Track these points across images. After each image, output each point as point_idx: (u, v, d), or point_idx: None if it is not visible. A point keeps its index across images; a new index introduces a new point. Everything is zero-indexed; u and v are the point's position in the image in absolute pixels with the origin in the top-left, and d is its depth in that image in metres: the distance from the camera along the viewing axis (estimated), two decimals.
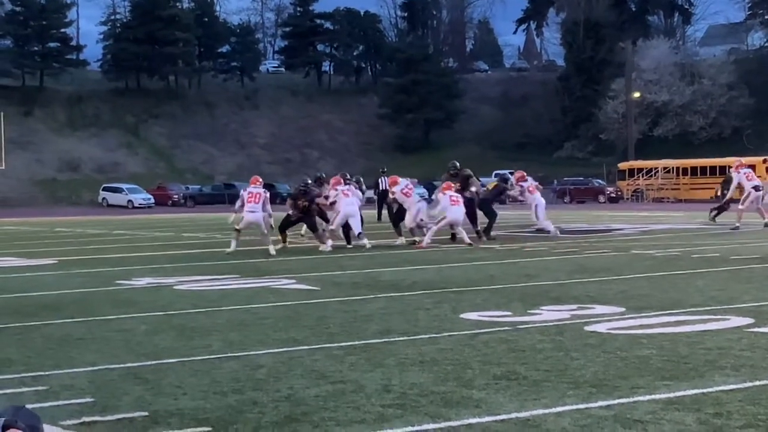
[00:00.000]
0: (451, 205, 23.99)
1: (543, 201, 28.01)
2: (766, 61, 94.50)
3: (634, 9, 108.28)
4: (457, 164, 27.27)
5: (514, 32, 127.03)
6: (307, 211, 24.42)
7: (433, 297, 13.11)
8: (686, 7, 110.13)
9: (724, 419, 6.19)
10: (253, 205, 23.18)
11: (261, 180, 24.66)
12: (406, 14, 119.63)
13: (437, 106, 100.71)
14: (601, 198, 70.75)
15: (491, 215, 26.76)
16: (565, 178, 76.50)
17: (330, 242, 23.48)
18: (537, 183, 29.86)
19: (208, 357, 8.89)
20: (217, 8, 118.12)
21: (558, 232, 26.93)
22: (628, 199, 70.48)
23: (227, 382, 7.73)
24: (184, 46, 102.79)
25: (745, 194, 29.59)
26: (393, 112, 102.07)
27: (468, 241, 23.79)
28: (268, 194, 23.83)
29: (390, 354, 8.83)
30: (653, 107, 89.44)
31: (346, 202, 24.47)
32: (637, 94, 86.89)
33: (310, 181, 26.31)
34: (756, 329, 9.67)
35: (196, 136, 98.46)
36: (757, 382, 7.24)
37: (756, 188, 29.48)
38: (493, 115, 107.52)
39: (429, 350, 8.97)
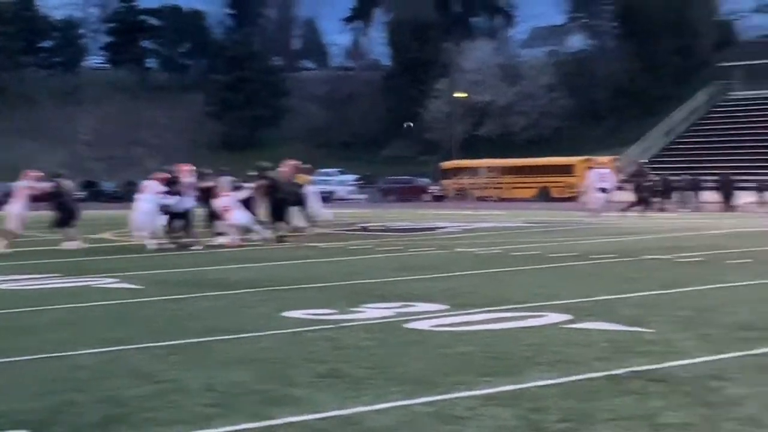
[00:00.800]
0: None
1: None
2: (585, 63, 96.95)
3: (458, 11, 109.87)
4: (264, 164, 26.49)
5: (341, 32, 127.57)
6: None
7: (257, 295, 13.08)
8: (509, 9, 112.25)
9: (541, 414, 6.34)
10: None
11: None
12: (233, 11, 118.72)
13: (264, 104, 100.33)
14: (426, 197, 71.55)
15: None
16: (391, 177, 77.08)
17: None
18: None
19: (28, 358, 8.69)
20: (39, 2, 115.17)
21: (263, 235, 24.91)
22: (452, 197, 71.44)
23: (48, 383, 7.57)
24: (4, 40, 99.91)
25: (591, 193, 30.53)
26: (220, 110, 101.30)
27: (267, 236, 23.98)
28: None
29: (213, 353, 8.78)
30: (477, 107, 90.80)
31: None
32: (461, 94, 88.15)
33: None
34: (572, 325, 9.93)
35: (17, 131, 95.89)
36: (572, 377, 7.43)
37: (603, 190, 30.51)
38: (319, 113, 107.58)
39: (252, 349, 8.94)
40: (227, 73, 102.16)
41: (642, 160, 46.03)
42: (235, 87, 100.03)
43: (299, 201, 26.68)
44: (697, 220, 34.08)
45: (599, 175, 33.50)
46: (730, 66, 75.29)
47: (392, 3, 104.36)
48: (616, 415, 6.25)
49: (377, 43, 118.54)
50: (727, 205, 46.29)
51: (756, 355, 8.20)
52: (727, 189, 47.04)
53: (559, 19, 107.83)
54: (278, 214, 24.94)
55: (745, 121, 68.14)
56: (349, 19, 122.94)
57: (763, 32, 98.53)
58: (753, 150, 61.76)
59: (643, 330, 9.54)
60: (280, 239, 24.21)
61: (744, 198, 47.09)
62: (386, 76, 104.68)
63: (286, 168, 26.48)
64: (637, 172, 44.73)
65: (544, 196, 66.80)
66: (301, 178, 27.79)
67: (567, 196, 65.00)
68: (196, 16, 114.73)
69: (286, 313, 11.15)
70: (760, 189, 47.91)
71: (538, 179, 68.93)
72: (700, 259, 17.76)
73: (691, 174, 50.32)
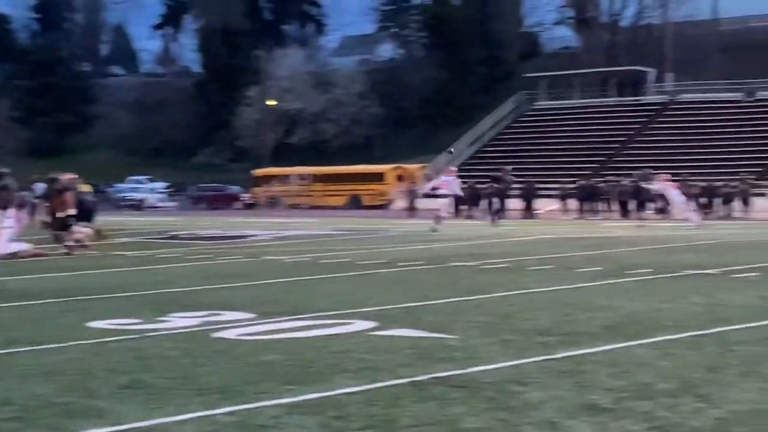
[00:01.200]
0: None
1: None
2: (395, 72, 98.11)
3: (269, 18, 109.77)
4: (56, 176, 25.43)
5: (151, 38, 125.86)
6: None
7: (61, 305, 12.77)
8: (320, 18, 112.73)
9: (344, 421, 6.36)
10: None
11: None
12: (38, 16, 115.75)
13: (71, 110, 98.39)
14: (237, 204, 71.21)
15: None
16: (201, 185, 76.42)
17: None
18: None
19: None
20: None
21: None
22: (263, 205, 71.25)
23: None
24: None
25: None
26: (25, 116, 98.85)
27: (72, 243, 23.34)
28: None
29: (12, 365, 8.52)
30: (288, 115, 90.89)
31: None
32: (272, 102, 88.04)
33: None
34: (378, 332, 10.00)
35: None
36: (377, 384, 7.48)
37: (444, 196, 31.33)
38: (129, 120, 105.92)
39: (53, 360, 8.72)
40: (32, 79, 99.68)
41: (507, 168, 46.87)
42: (41, 92, 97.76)
43: (86, 211, 25.77)
44: (504, 227, 34.85)
45: (444, 182, 34.09)
46: (534, 76, 77.28)
47: (202, 9, 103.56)
48: (419, 421, 6.32)
49: (188, 50, 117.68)
50: (529, 212, 47.54)
51: (555, 359, 8.41)
52: (530, 196, 48.30)
53: (370, 28, 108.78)
54: (64, 224, 24.04)
55: (548, 130, 70.07)
56: (158, 26, 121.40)
57: (565, 44, 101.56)
58: (556, 158, 63.55)
59: (447, 336, 9.68)
60: (69, 249, 23.38)
61: (547, 205, 48.45)
62: (197, 82, 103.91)
63: (66, 179, 25.42)
64: (499, 178, 45.46)
65: (355, 203, 67.29)
66: (84, 187, 27.02)
67: (378, 203, 65.65)
68: (1, 20, 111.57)
69: (90, 324, 10.91)
70: (563, 197, 49.33)
71: (349, 187, 69.36)
72: (504, 265, 18.16)
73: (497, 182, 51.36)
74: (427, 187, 34.83)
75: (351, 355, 8.76)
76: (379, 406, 6.78)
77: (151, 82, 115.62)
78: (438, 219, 32.42)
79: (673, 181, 36.98)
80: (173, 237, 27.79)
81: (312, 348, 9.15)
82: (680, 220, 35.41)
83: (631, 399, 6.84)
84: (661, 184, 36.24)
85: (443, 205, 35.02)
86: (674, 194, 35.48)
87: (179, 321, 11.04)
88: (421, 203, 58.75)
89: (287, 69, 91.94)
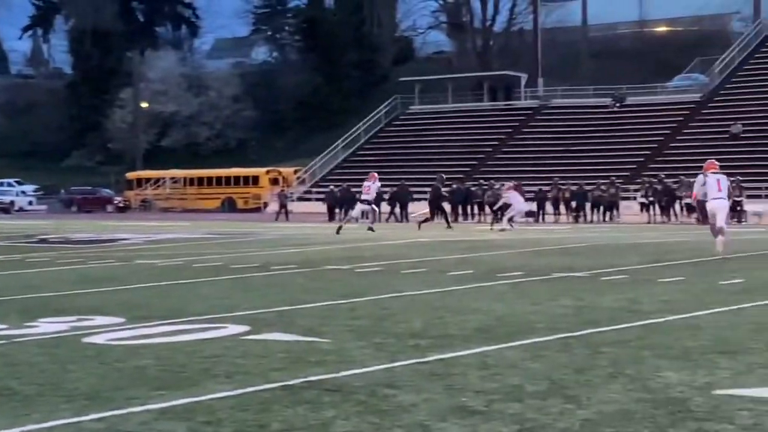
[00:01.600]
0: None
1: None
2: (269, 75, 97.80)
3: (142, 19, 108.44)
4: None
5: (20, 38, 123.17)
6: None
7: None
8: (193, 20, 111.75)
9: (215, 426, 6.31)
10: None
11: None
12: None
13: None
14: (110, 208, 70.24)
15: None
16: (73, 188, 75.14)
17: None
18: None
19: None
20: None
21: None
22: (136, 208, 70.43)
23: None
24: None
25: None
26: None
27: None
28: None
29: None
30: (161, 117, 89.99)
31: None
32: (145, 104, 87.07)
33: None
34: (251, 337, 9.95)
35: None
36: (249, 389, 7.44)
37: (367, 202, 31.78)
38: None
39: None
40: None
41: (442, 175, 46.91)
42: None
43: None
44: (379, 230, 34.95)
45: (366, 187, 34.17)
46: (408, 81, 77.75)
47: (73, 10, 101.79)
48: (290, 426, 6.30)
49: (59, 51, 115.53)
50: (404, 215, 47.82)
51: (427, 362, 8.47)
52: (403, 200, 48.58)
53: (244, 31, 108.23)
54: None
55: (422, 134, 70.53)
56: (28, 26, 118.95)
57: (439, 49, 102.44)
58: (430, 162, 63.99)
59: (320, 340, 9.68)
60: None
61: (421, 209, 48.75)
62: (68, 84, 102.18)
63: None
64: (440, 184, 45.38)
65: (230, 207, 66.95)
66: None
67: (252, 207, 65.41)
68: None
69: None
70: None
71: (223, 190, 68.99)
72: (378, 268, 18.23)
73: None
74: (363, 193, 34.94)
75: (223, 359, 8.70)
76: (250, 411, 6.74)
77: (21, 84, 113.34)
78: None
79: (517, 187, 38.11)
80: (43, 241, 27.29)
81: (183, 353, 9.06)
82: (551, 224, 35.97)
83: (501, 401, 6.92)
84: (508, 191, 37.36)
85: (361, 210, 35.05)
86: (516, 200, 36.37)
87: (48, 326, 10.83)
88: (294, 206, 58.78)
89: (160, 71, 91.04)
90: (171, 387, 7.55)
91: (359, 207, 34.85)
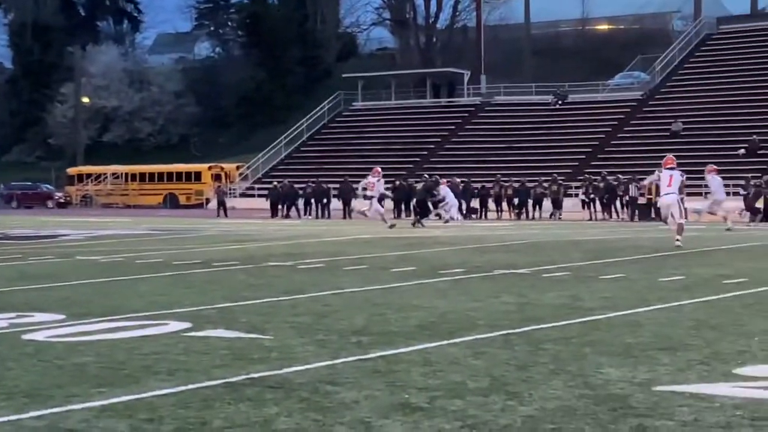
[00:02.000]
0: None
1: None
2: (211, 70, 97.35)
3: (83, 14, 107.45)
4: None
5: None
6: None
7: None
8: (135, 14, 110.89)
9: (156, 424, 6.27)
10: None
11: None
12: None
13: None
14: (50, 203, 69.59)
15: None
16: (13, 183, 74.34)
17: None
18: None
19: None
20: None
21: None
22: (77, 204, 69.84)
23: None
24: None
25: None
26: None
27: None
28: None
29: None
30: (103, 113, 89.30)
31: None
32: (86, 99, 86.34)
33: None
34: (193, 333, 9.90)
35: None
36: (190, 386, 7.40)
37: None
38: None
39: None
40: None
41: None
42: None
43: None
44: (321, 227, 34.96)
45: (371, 183, 34.30)
46: (352, 77, 77.73)
47: (13, 3, 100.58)
48: (232, 423, 6.27)
49: None
50: (346, 211, 47.80)
51: (369, 359, 8.46)
52: (347, 196, 48.53)
53: (186, 26, 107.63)
54: None
55: (365, 130, 70.55)
56: None
57: (383, 45, 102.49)
58: (373, 159, 64.00)
59: (262, 337, 9.65)
60: None
61: (364, 205, 48.74)
62: (8, 79, 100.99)
63: None
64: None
65: (172, 203, 66.60)
66: None
67: (194, 203, 65.09)
68: None
69: None
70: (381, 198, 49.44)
71: (165, 186, 68.59)
72: (320, 265, 18.22)
73: (314, 182, 51.57)
74: (359, 188, 35.26)
75: (164, 356, 8.64)
76: (192, 408, 6.70)
77: None
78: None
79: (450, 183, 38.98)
80: None
81: (124, 350, 8.99)
82: (493, 221, 36.10)
83: (443, 398, 6.93)
84: (443, 188, 38.15)
85: (365, 204, 35.21)
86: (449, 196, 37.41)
87: None
88: (237, 202, 58.60)
89: (102, 66, 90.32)
90: (111, 384, 7.49)
91: (361, 202, 35.08)
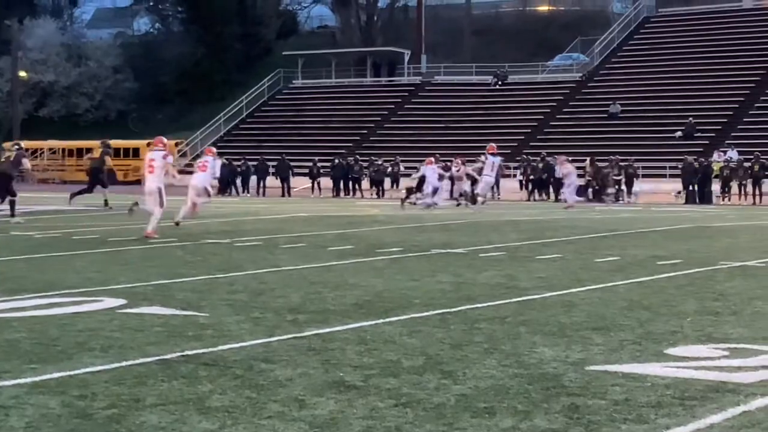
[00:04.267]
0: None
1: None
2: (150, 46, 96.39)
3: None
4: None
5: None
6: None
7: None
8: None
9: (89, 401, 6.23)
10: None
11: None
12: None
13: None
14: None
15: None
16: None
17: None
18: None
19: None
20: None
21: None
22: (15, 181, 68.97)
23: None
24: None
25: None
26: None
27: None
28: None
29: None
30: (39, 87, 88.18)
31: None
32: (23, 74, 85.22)
33: None
34: (128, 310, 9.85)
35: None
36: (124, 363, 7.36)
37: None
38: None
39: None
40: None
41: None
42: None
43: None
44: (259, 204, 34.85)
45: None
46: (292, 55, 77.41)
47: None
48: (165, 400, 6.25)
49: None
50: (285, 189, 47.71)
51: (303, 337, 8.47)
52: (284, 174, 48.42)
53: (126, 1, 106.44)
54: None
55: (305, 108, 70.34)
56: None
57: (323, 23, 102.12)
58: (312, 137, 63.89)
59: (198, 314, 9.62)
60: None
61: (302, 183, 48.74)
62: None
63: None
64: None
65: (109, 179, 65.85)
66: None
67: (132, 179, 64.56)
68: None
69: None
70: (312, 175, 49.31)
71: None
72: (257, 243, 18.16)
73: (255, 159, 51.35)
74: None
75: (98, 333, 8.59)
76: (125, 384, 6.67)
77: None
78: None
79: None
80: None
81: (57, 326, 8.92)
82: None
83: (378, 376, 6.95)
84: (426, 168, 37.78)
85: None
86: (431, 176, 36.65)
87: None
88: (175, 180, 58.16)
89: (39, 40, 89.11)
90: (44, 361, 7.43)
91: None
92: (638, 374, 7.03)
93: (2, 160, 26.50)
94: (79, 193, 32.55)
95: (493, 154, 33.84)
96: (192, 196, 24.27)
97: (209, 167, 25.64)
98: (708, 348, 8.09)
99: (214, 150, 29.24)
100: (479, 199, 34.19)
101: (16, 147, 27.50)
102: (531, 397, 6.37)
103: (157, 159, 20.48)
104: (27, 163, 27.11)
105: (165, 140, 21.87)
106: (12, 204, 25.40)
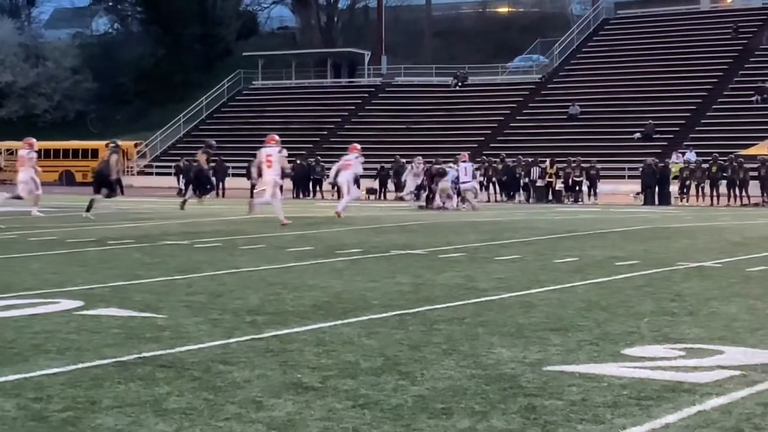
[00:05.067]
0: None
1: None
2: (109, 46, 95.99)
3: None
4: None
5: None
6: None
7: None
8: None
9: (44, 403, 6.18)
10: None
11: None
12: None
13: None
14: None
15: None
16: None
17: None
18: None
19: None
20: None
21: None
22: None
23: None
24: None
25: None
26: None
27: None
28: None
29: None
30: None
31: None
32: None
33: None
34: (85, 312, 9.78)
35: None
36: (80, 365, 7.32)
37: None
38: None
39: None
40: None
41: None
42: None
43: None
44: (221, 206, 34.77)
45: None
46: (252, 55, 77.28)
47: None
48: (122, 402, 6.21)
49: None
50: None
51: (262, 338, 8.45)
52: (246, 175, 48.39)
53: (84, 1, 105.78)
54: None
55: (265, 109, 70.27)
56: None
57: (284, 24, 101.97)
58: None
59: (156, 316, 9.57)
60: None
61: (262, 185, 48.57)
62: None
63: None
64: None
65: (68, 180, 65.64)
66: None
67: (91, 180, 64.13)
68: None
69: None
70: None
71: (61, 163, 67.53)
72: (216, 244, 18.11)
73: (215, 160, 51.19)
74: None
75: (54, 335, 8.53)
76: (81, 387, 6.63)
77: None
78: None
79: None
80: None
81: (13, 328, 8.85)
82: (392, 201, 36.19)
83: (336, 377, 6.95)
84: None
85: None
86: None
87: None
88: (135, 180, 58.02)
89: None
90: (0, 363, 7.37)
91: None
92: (595, 374, 7.06)
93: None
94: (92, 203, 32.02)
95: (464, 162, 35.94)
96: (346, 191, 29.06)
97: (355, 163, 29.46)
98: (664, 348, 8.14)
99: (359, 146, 31.38)
100: (476, 204, 35.54)
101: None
102: (488, 397, 6.39)
103: (273, 154, 24.33)
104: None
105: (277, 137, 25.71)
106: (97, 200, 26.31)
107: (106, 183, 26.58)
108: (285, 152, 25.22)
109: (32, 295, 10.98)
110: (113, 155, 27.23)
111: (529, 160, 45.96)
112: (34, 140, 27.99)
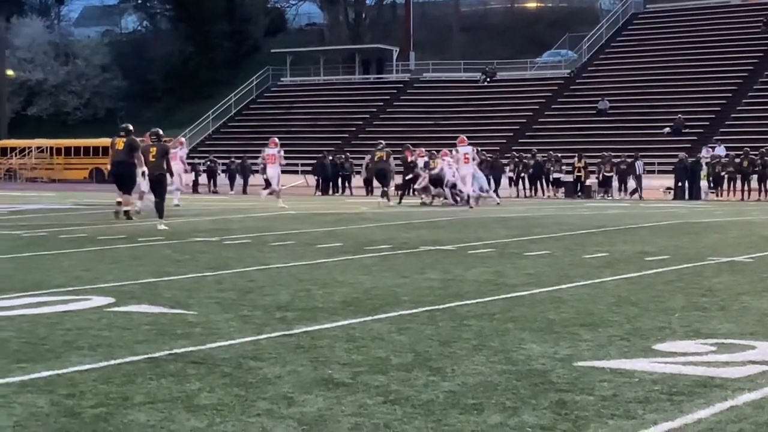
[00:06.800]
0: None
1: None
2: (138, 43, 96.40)
3: None
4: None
5: None
6: None
7: None
8: None
9: (77, 399, 6.22)
10: None
11: None
12: None
13: None
14: None
15: None
16: None
17: None
18: None
19: None
20: None
21: None
22: (1, 178, 68.94)
23: None
24: None
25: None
26: None
27: None
28: None
29: None
30: (27, 86, 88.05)
31: None
32: (11, 72, 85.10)
33: None
34: (116, 309, 9.83)
35: None
36: (112, 361, 7.35)
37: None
38: None
39: None
40: None
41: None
42: None
43: None
44: (247, 202, 34.83)
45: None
46: (280, 52, 77.37)
47: None
48: (153, 398, 6.24)
49: None
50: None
51: (292, 334, 8.46)
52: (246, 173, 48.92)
53: None
54: None
55: (294, 106, 70.34)
56: None
57: (311, 21, 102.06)
58: (301, 135, 63.87)
59: (186, 312, 9.61)
60: None
61: (290, 181, 48.71)
62: None
63: None
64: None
65: (97, 177, 65.93)
66: None
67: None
68: None
69: None
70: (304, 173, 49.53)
71: (91, 161, 67.84)
72: (245, 241, 18.15)
73: (240, 157, 51.46)
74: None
75: (86, 331, 8.57)
76: (113, 383, 6.66)
77: None
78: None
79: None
80: None
81: (45, 325, 8.90)
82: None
83: (366, 373, 6.95)
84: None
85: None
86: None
87: None
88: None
89: (27, 38, 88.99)
90: (32, 360, 7.42)
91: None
92: (626, 370, 7.04)
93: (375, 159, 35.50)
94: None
95: (446, 157, 36.15)
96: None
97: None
98: (695, 343, 8.11)
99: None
100: (485, 195, 35.44)
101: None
102: (519, 393, 6.38)
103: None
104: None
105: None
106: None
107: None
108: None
109: (63, 292, 11.04)
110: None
111: (559, 155, 45.97)
112: (276, 139, 34.05)
